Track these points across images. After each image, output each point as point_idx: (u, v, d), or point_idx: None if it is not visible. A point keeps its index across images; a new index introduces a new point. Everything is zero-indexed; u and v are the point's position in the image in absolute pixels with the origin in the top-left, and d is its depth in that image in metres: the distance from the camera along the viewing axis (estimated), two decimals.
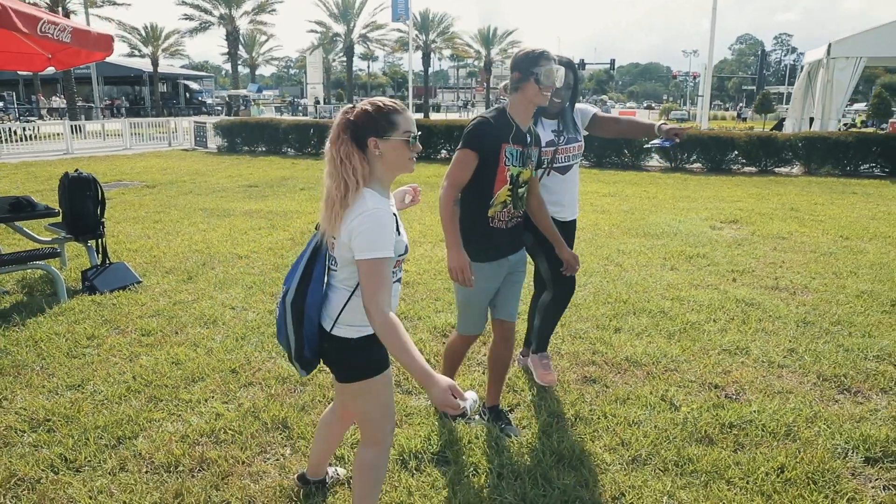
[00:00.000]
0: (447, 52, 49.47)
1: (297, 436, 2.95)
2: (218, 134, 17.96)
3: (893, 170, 13.65)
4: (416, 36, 42.59)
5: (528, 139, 2.72)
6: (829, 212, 9.14)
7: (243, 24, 39.92)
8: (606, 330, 4.27)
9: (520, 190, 2.72)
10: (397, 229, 1.87)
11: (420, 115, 37.07)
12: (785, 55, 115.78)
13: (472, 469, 2.68)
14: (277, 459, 2.76)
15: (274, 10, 40.35)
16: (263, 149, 17.59)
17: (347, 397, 2.05)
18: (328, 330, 1.94)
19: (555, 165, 3.20)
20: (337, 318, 1.92)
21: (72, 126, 20.87)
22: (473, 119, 2.69)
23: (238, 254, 6.38)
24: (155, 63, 44.68)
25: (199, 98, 49.50)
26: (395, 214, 1.90)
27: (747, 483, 2.58)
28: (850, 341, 4.13)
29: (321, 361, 2.03)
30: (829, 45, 15.07)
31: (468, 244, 2.69)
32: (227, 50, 43.55)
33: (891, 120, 18.95)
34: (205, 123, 19.01)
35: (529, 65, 2.61)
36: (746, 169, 14.48)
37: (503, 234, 2.74)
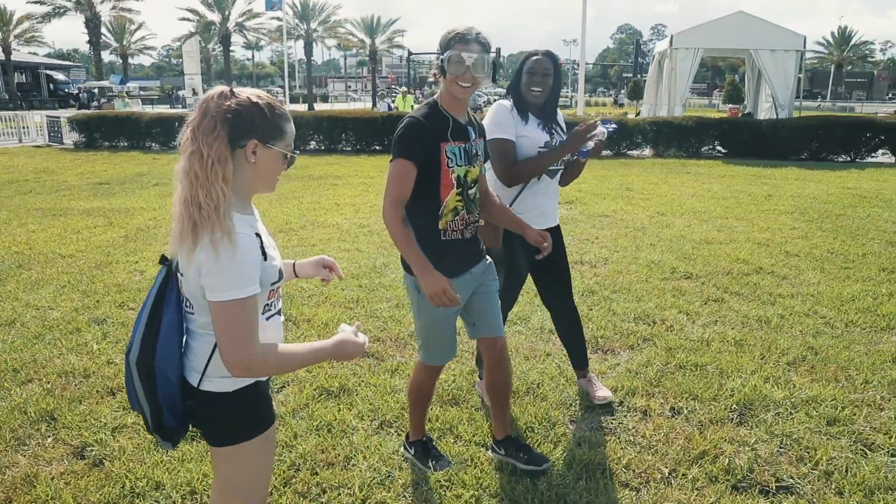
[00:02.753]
0: (332, 42, 48.90)
1: (61, 426, 3.00)
2: (74, 129, 16.88)
3: (730, 150, 15.08)
4: (297, 25, 41.74)
5: (471, 133, 2.36)
6: (658, 190, 10.03)
7: (105, 11, 37.43)
8: (403, 308, 4.57)
9: (470, 191, 2.36)
10: (263, 253, 1.51)
11: (304, 107, 36.44)
12: None
13: None
14: (33, 450, 2.81)
15: None
16: (125, 144, 16.72)
17: (215, 460, 1.66)
18: (195, 385, 1.56)
19: (549, 169, 2.94)
20: (205, 370, 1.55)
21: None
22: (402, 121, 2.30)
23: (61, 253, 6.17)
24: (7, 50, 40.92)
25: (66, 90, 45.95)
26: (258, 235, 1.52)
27: (472, 436, 2.92)
28: (621, 306, 4.66)
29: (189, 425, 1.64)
30: (671, 37, 16.38)
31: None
32: (99, 38, 40.67)
33: (729, 105, 20.85)
34: (59, 118, 17.79)
35: (442, 49, 2.25)
36: (603, 153, 15.46)
37: (461, 245, 2.38)
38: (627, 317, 4.45)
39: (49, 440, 2.90)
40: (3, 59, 40.94)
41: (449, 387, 3.39)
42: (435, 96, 2.37)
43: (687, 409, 3.18)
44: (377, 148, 15.52)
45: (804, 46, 16.13)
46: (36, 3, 37.02)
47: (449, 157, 2.27)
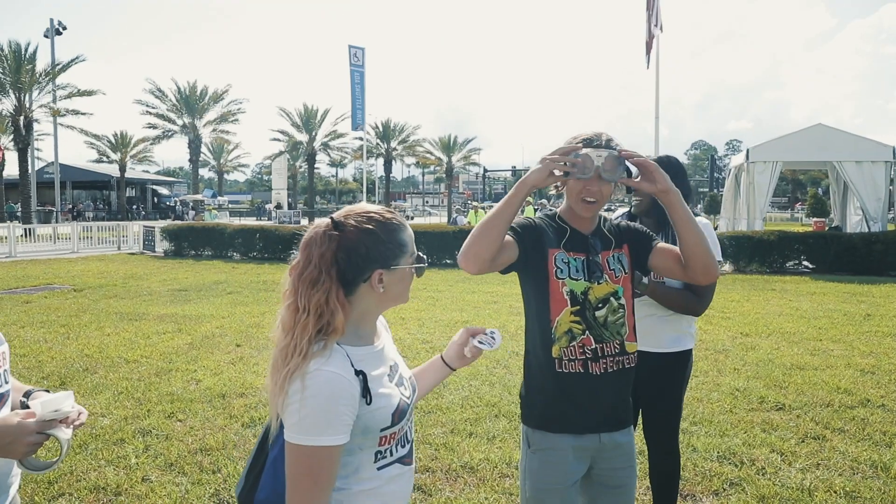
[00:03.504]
0: (411, 160, 51.56)
1: None
2: (165, 238, 18.05)
3: (817, 265, 14.17)
4: (378, 143, 44.41)
5: (597, 245, 1.96)
6: (741, 308, 9.36)
7: (206, 133, 41.42)
8: (459, 435, 4.21)
9: (597, 313, 1.91)
10: (367, 394, 1.28)
11: None
12: None
13: None
14: None
15: (236, 120, 42.06)
16: (209, 253, 17.64)
17: None
18: None
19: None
20: None
21: (25, 229, 21.05)
22: None
23: (127, 358, 6.25)
24: (122, 168, 45.57)
25: (167, 202, 50.21)
26: (361, 373, 1.30)
27: None
28: (702, 441, 4.12)
29: None
30: (748, 151, 16.08)
31: (534, 404, 1.97)
32: (200, 157, 44.97)
33: (814, 219, 19.95)
34: (153, 228, 19.14)
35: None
36: None
37: (584, 384, 1.88)
38: (710, 454, 3.91)
39: None
40: (119, 176, 45.54)
41: None
42: (557, 209, 2.07)
43: None
44: (448, 261, 15.61)
45: (893, 157, 15.40)
46: (149, 127, 41.45)
47: (558, 267, 1.90)
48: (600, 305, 1.91)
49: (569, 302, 1.88)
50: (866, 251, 13.58)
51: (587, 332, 1.89)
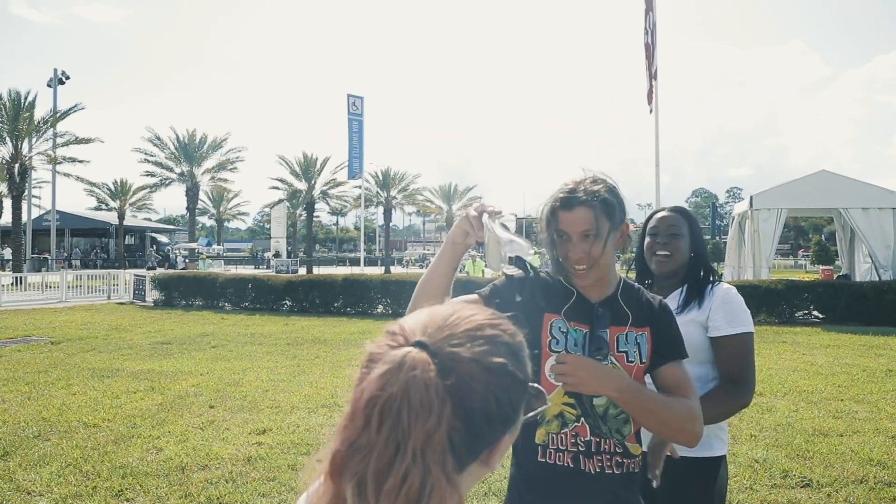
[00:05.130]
0: (411, 209, 51.59)
1: None
2: (155, 287, 17.60)
3: (827, 315, 13.65)
4: (378, 192, 44.40)
5: (604, 318, 1.55)
6: None
7: (205, 181, 41.48)
8: None
9: (597, 401, 1.53)
10: None
11: (381, 270, 37.57)
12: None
13: None
14: None
15: (235, 168, 42.11)
16: (200, 302, 17.15)
17: None
18: None
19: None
20: None
21: (15, 278, 20.68)
22: None
23: (86, 422, 5.72)
24: (121, 216, 45.53)
25: (165, 250, 50.06)
26: None
27: None
28: None
29: None
30: (751, 198, 15.77)
31: (514, 494, 1.64)
32: (200, 205, 45.06)
33: (822, 267, 19.51)
34: (144, 277, 18.71)
35: (543, 224, 1.64)
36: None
37: (570, 480, 1.53)
38: None
39: None
40: (118, 224, 45.45)
41: None
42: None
43: None
44: None
45: None
46: (147, 175, 41.59)
47: (554, 337, 1.52)
48: None
49: None
50: (878, 300, 13.10)
51: (582, 419, 1.53)
